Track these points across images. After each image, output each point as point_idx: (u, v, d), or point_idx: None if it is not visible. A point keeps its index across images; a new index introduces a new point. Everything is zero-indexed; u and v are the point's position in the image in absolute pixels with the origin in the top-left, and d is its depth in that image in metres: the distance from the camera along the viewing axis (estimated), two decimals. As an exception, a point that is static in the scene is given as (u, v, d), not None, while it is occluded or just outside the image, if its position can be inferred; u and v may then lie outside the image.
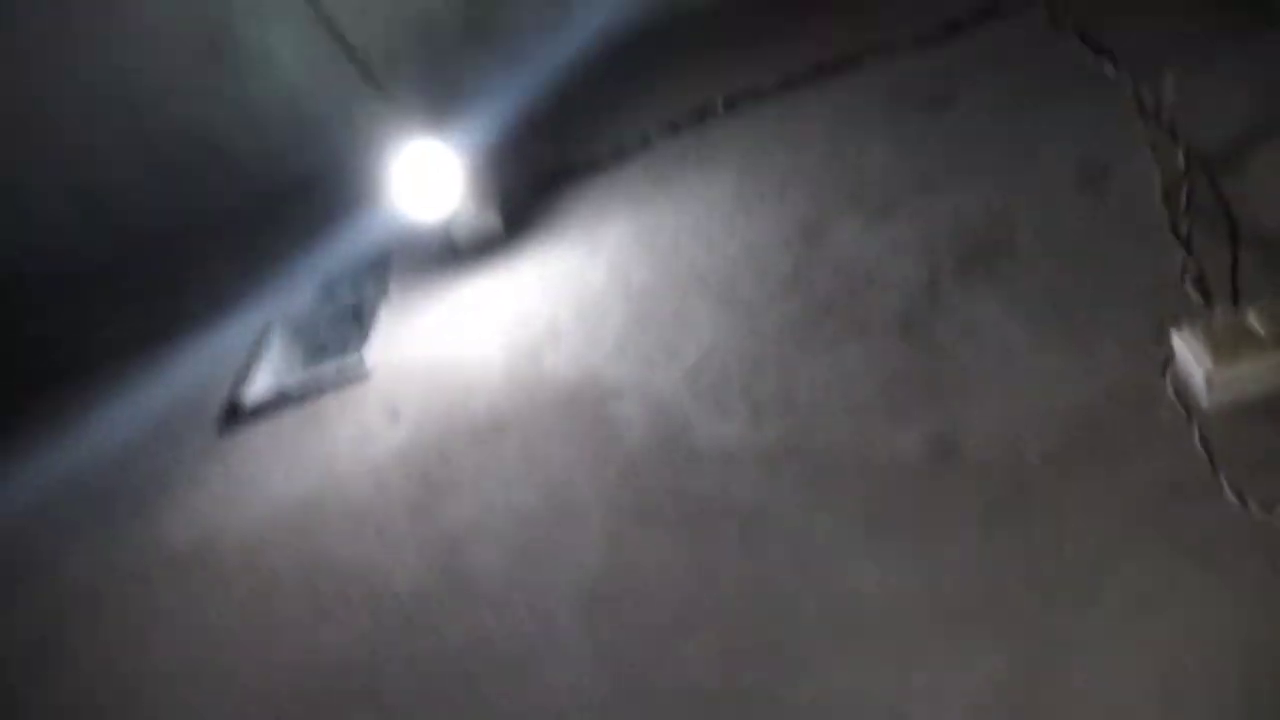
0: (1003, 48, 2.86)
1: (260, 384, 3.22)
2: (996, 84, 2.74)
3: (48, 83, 4.13)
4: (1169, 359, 1.78)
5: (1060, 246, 2.15)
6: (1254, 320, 1.69)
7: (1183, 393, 1.73)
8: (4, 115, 4.22)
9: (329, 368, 3.15)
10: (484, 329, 2.90)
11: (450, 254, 3.32)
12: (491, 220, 3.27)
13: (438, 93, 4.13)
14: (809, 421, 2.07)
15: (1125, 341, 1.88)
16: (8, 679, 2.59)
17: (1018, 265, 2.16)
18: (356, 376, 3.03)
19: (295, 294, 3.62)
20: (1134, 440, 1.72)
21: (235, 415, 3.15)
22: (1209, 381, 1.67)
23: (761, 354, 2.29)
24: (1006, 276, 2.15)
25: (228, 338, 3.65)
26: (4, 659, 2.65)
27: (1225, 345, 1.67)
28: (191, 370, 3.59)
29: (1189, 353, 1.71)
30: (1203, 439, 1.64)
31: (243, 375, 3.30)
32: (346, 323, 3.39)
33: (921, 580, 1.68)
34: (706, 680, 1.73)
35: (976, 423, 1.88)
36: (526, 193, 3.42)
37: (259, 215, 4.37)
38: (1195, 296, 1.87)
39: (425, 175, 3.19)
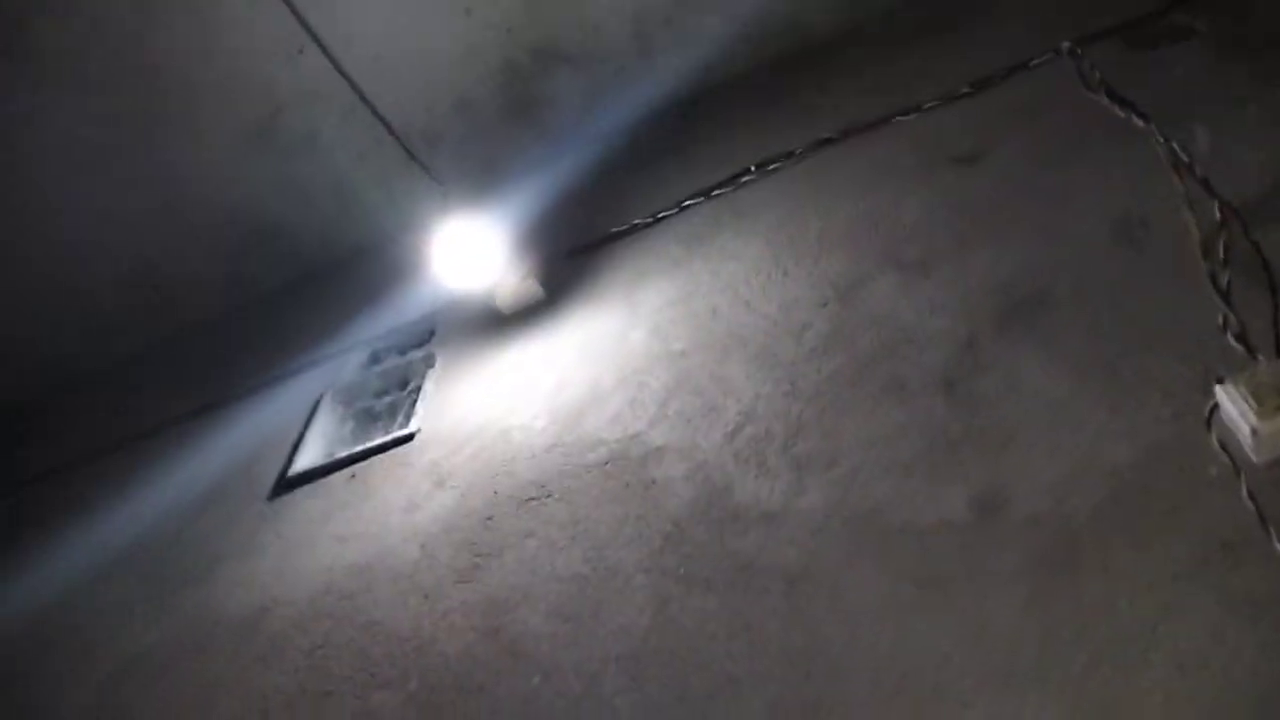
0: (1032, 104, 2.90)
1: (311, 452, 3.29)
2: (1027, 139, 2.77)
3: (100, 181, 4.29)
4: (1214, 412, 1.78)
5: (1099, 301, 2.15)
6: (1298, 372, 1.68)
7: (1229, 446, 1.72)
8: (63, 220, 4.40)
9: (377, 435, 3.21)
10: (527, 394, 2.95)
11: (493, 322, 3.38)
12: (532, 288, 3.34)
13: (478, 168, 4.25)
14: (852, 480, 2.07)
15: (1169, 395, 1.87)
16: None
17: (1057, 320, 2.17)
18: (403, 443, 3.09)
19: (345, 364, 3.71)
20: (1182, 495, 1.70)
21: (286, 484, 3.21)
22: (1255, 436, 1.66)
23: (802, 414, 2.31)
24: (1046, 332, 2.16)
25: (279, 409, 3.73)
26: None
27: (1270, 399, 1.66)
28: (244, 441, 3.67)
29: (1233, 407, 1.70)
30: (1251, 494, 1.63)
31: (294, 444, 3.37)
32: (394, 391, 3.46)
33: (969, 639, 1.67)
34: (755, 743, 1.72)
35: (1022, 479, 1.88)
36: (566, 260, 3.50)
37: (308, 290, 4.50)
38: (1238, 348, 1.87)
39: (467, 247, 3.28)
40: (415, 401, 3.25)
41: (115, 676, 2.77)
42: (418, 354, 3.51)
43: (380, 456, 3.11)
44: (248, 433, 3.73)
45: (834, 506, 2.04)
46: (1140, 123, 2.54)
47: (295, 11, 3.30)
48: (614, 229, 3.51)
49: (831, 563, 1.93)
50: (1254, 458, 1.69)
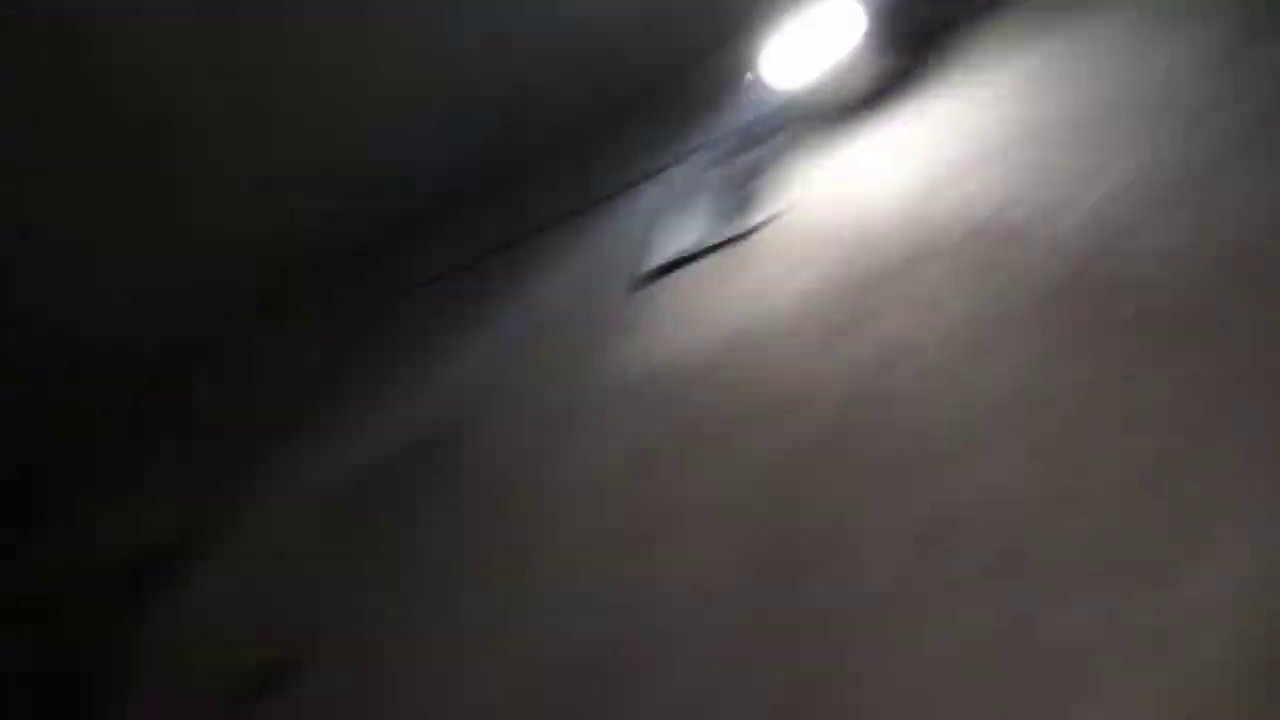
0: None
1: (668, 247, 3.49)
2: None
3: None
4: None
5: None
6: None
7: None
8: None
9: (729, 229, 3.33)
10: (884, 175, 2.94)
11: (847, 104, 3.34)
12: (889, 66, 3.26)
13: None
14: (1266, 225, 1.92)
15: None
16: (494, 490, 3.11)
17: None
18: (756, 233, 3.19)
19: (694, 159, 3.86)
20: None
21: (646, 277, 3.44)
22: None
23: (1208, 161, 2.14)
24: None
25: (628, 213, 3.99)
26: (502, 468, 3.19)
27: None
28: (600, 244, 3.99)
29: None
30: None
31: (649, 243, 3.59)
32: (742, 185, 3.54)
33: None
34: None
35: None
36: (925, 36, 3.35)
37: (643, 101, 4.68)
38: None
39: (819, 28, 3.25)
40: (764, 194, 3.33)
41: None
42: (764, 150, 3.56)
43: (733, 247, 3.24)
44: (602, 236, 4.03)
45: (1226, 256, 1.90)
46: None
47: None
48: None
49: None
50: None
